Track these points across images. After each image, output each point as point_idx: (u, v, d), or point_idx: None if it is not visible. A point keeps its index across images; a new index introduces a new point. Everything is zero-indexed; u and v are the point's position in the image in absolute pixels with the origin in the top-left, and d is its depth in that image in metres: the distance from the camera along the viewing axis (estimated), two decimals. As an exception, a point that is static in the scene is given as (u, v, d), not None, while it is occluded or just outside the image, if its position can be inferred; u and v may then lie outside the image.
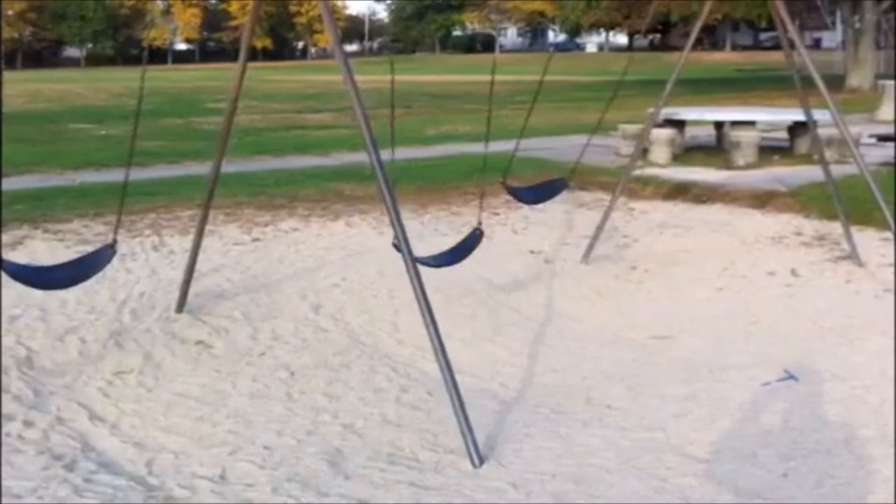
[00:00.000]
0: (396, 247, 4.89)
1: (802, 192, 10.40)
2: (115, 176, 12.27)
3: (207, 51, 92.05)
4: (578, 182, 11.67)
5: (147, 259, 7.88)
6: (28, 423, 4.78)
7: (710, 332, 6.46)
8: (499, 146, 16.09)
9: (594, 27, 77.73)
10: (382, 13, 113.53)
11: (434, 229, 9.40)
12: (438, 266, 5.52)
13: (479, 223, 5.86)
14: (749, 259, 8.17)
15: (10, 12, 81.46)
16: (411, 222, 9.22)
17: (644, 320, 6.81)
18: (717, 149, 14.77)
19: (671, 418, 4.80)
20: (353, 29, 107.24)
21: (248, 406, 5.13)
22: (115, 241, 5.13)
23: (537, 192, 6.44)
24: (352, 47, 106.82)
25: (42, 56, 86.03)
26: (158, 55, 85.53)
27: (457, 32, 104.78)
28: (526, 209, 10.45)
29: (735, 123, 13.98)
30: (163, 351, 5.84)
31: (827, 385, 5.17)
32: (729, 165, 12.94)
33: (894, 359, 5.31)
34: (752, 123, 13.81)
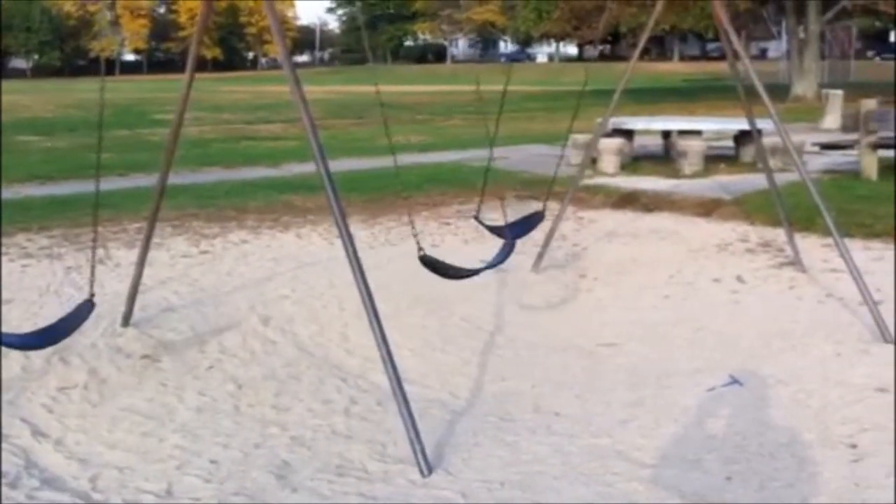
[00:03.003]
0: (423, 259, 4.96)
1: (747, 199, 10.57)
2: (59, 189, 12.17)
3: (156, 61, 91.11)
4: (530, 192, 11.77)
5: (93, 272, 7.77)
6: (-31, 441, 4.70)
7: (657, 338, 6.53)
8: (452, 156, 16.16)
9: (544, 38, 78.36)
10: (334, 24, 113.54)
11: (384, 240, 9.40)
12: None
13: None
14: (695, 266, 8.28)
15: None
16: (361, 233, 9.23)
17: (593, 328, 6.86)
18: (664, 158, 14.98)
19: (618, 424, 4.85)
20: (305, 39, 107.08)
21: (195, 420, 5.08)
22: (92, 295, 4.99)
23: (519, 228, 6.50)
24: (303, 58, 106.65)
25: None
26: (106, 66, 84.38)
27: (409, 43, 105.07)
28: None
29: (682, 133, 14.19)
30: (108, 366, 5.76)
31: (771, 390, 5.25)
32: (676, 174, 13.12)
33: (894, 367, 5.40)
34: (698, 133, 14.04)
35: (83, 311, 4.97)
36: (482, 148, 16.69)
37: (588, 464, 4.32)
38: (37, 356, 5.76)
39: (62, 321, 4.94)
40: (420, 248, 4.98)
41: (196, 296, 7.25)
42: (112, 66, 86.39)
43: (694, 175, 12.93)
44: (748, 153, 14.02)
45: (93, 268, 5.21)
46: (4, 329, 5.80)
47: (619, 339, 6.56)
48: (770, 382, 5.37)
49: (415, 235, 5.09)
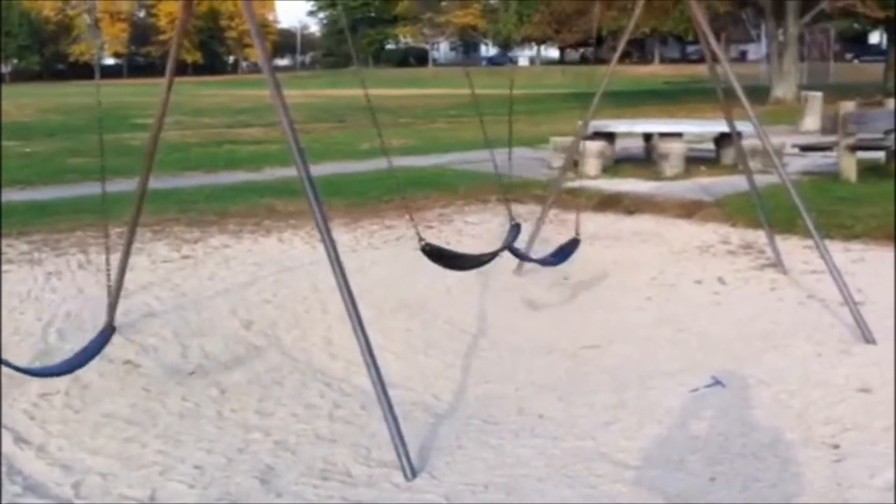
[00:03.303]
0: (425, 249, 4.96)
1: (728, 201, 10.62)
2: (39, 194, 12.08)
3: (136, 65, 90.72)
4: (512, 195, 11.79)
5: (73, 278, 7.74)
6: (-51, 449, 4.66)
7: (639, 340, 6.55)
8: (435, 160, 16.15)
9: (526, 41, 78.52)
10: (314, 27, 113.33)
11: (367, 243, 9.40)
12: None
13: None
14: (677, 268, 8.32)
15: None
16: (343, 236, 9.22)
17: (575, 330, 6.88)
18: (646, 160, 15.03)
19: (601, 426, 4.86)
20: (285, 43, 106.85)
21: (178, 425, 5.05)
22: (112, 320, 4.91)
23: (559, 257, 6.72)
24: (283, 61, 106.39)
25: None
26: (85, 70, 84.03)
27: (390, 46, 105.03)
28: (459, 222, 10.51)
29: (663, 135, 14.24)
30: (90, 371, 5.70)
31: (753, 390, 5.28)
32: (657, 176, 13.17)
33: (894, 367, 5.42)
34: (679, 135, 14.09)
35: (104, 336, 4.90)
36: (464, 151, 16.71)
37: (572, 466, 4.33)
38: (19, 362, 5.71)
39: (85, 350, 4.84)
40: (421, 239, 4.96)
41: (178, 301, 7.22)
42: (91, 71, 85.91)
43: (675, 177, 12.98)
44: (729, 155, 14.09)
45: (114, 298, 5.07)
46: None
47: (602, 341, 6.59)
48: (752, 383, 5.40)
49: (415, 227, 5.09)
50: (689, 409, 5.05)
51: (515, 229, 6.20)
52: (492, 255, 5.75)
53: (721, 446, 4.50)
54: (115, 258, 6.90)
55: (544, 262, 6.63)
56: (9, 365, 4.17)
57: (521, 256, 6.67)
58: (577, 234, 6.81)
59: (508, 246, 5.98)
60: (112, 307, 4.94)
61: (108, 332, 4.98)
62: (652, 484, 4.11)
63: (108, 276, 5.14)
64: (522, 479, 4.22)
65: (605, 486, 4.10)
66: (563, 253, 6.66)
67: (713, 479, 4.16)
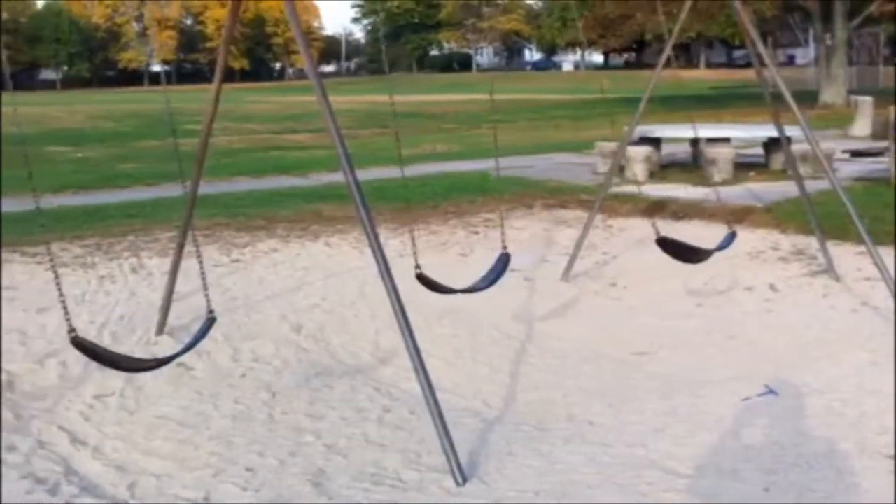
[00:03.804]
0: (421, 277, 4.95)
1: (778, 207, 10.50)
2: (91, 199, 12.29)
3: (183, 72, 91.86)
4: (558, 200, 11.78)
5: (126, 281, 7.86)
6: (10, 448, 4.77)
7: (689, 347, 6.50)
8: (477, 165, 16.15)
9: (570, 46, 78.33)
10: (359, 34, 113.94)
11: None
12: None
13: (504, 247, 5.78)
14: (727, 275, 8.23)
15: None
16: (390, 242, 9.24)
17: (624, 336, 6.84)
18: (693, 165, 14.90)
19: (652, 434, 4.83)
20: (330, 49, 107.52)
21: (230, 428, 5.11)
22: (211, 311, 4.92)
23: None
24: (329, 68, 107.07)
25: (17, 79, 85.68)
26: (134, 77, 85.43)
27: (434, 52, 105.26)
28: (504, 227, 10.49)
29: (710, 140, 14.11)
30: (144, 374, 5.80)
31: (806, 399, 5.21)
32: (705, 182, 13.05)
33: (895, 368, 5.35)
34: (727, 140, 13.95)
35: (207, 326, 4.90)
36: (509, 156, 16.68)
37: (623, 473, 4.31)
38: (74, 364, 5.82)
39: (191, 341, 4.85)
40: (417, 266, 4.94)
41: (228, 304, 7.30)
42: (140, 78, 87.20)
43: (723, 183, 12.85)
44: (778, 160, 13.92)
45: (204, 282, 5.04)
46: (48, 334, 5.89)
47: (651, 348, 6.55)
48: (805, 392, 5.33)
49: (414, 254, 5.03)
50: (741, 417, 5.00)
51: (504, 259, 5.70)
52: (471, 290, 5.40)
53: (775, 456, 4.45)
54: (167, 262, 7.02)
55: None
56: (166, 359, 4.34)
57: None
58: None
59: (487, 285, 5.54)
60: (208, 302, 4.92)
61: (209, 321, 4.91)
62: (705, 493, 4.07)
63: (202, 273, 5.08)
64: (573, 486, 4.21)
65: (656, 494, 4.07)
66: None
67: (767, 489, 4.11)
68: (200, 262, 5.05)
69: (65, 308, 4.14)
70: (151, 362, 4.74)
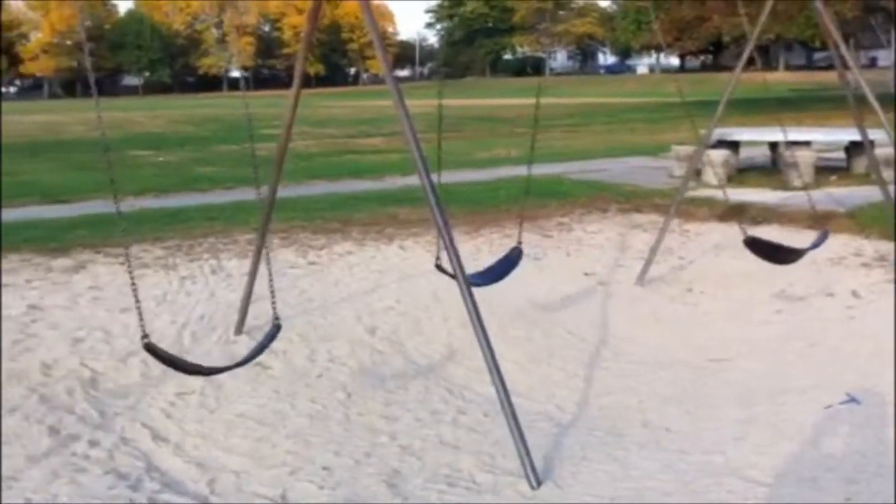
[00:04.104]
0: (440, 267, 5.05)
1: (861, 212, 10.26)
2: (172, 202, 12.57)
3: (261, 78, 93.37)
4: (633, 204, 11.67)
5: (206, 282, 8.02)
6: (93, 443, 4.91)
7: (768, 354, 6.39)
8: (551, 168, 16.07)
9: (644, 49, 77.51)
10: (433, 38, 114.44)
11: (487, 251, 9.42)
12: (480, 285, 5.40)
13: (519, 242, 5.90)
14: (808, 281, 8.06)
15: (69, 42, 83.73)
16: (464, 245, 9.26)
17: (700, 342, 6.75)
18: (772, 169, 14.63)
19: (730, 441, 4.76)
20: (404, 54, 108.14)
21: (307, 427, 5.19)
22: (277, 318, 4.94)
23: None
24: (403, 72, 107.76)
25: (101, 85, 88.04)
26: (214, 82, 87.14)
27: (507, 56, 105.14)
28: (578, 231, 10.44)
29: (791, 144, 13.84)
30: (223, 373, 5.92)
31: (890, 408, 5.07)
32: (785, 186, 12.80)
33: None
34: (807, 143, 13.67)
35: (273, 332, 4.86)
36: (584, 160, 16.59)
37: (701, 481, 4.25)
38: (156, 363, 5.94)
39: (256, 348, 4.89)
40: (437, 258, 5.14)
41: (304, 305, 7.40)
42: (219, 84, 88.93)
43: (804, 187, 12.58)
44: (860, 164, 13.60)
45: (272, 290, 5.06)
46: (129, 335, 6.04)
47: (729, 355, 6.44)
48: (888, 400, 5.19)
49: (438, 252, 5.11)
50: (822, 426, 4.89)
51: (516, 252, 5.77)
52: (477, 284, 5.19)
53: (857, 465, 4.35)
54: (246, 264, 7.15)
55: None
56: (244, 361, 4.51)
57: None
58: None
59: (497, 278, 5.57)
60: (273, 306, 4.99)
61: (275, 329, 4.94)
62: (785, 502, 4.00)
63: (270, 275, 5.15)
64: (649, 492, 4.17)
65: (735, 502, 4.01)
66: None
67: (848, 499, 4.02)
68: (270, 271, 5.11)
69: (140, 313, 4.24)
70: (214, 369, 4.84)
